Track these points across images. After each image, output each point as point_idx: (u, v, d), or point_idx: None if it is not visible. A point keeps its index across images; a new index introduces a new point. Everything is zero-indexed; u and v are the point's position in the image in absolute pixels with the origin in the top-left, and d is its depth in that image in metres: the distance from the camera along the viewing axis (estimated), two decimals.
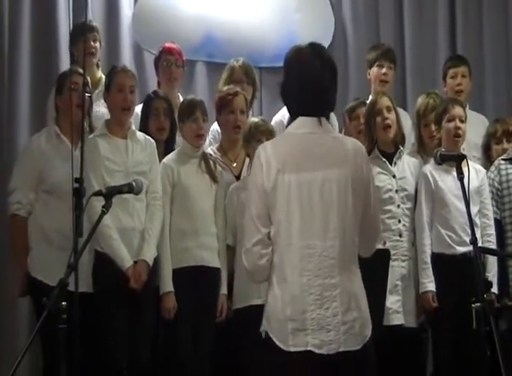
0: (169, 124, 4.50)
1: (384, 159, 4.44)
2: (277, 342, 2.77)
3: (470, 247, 3.27)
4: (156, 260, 4.14)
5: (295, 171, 2.82)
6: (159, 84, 5.03)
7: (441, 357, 4.36)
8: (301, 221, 2.81)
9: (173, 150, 4.47)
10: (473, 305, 3.06)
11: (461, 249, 4.32)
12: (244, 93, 4.66)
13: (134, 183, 3.35)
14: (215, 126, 4.85)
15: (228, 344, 4.21)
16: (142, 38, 5.80)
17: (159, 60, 5.03)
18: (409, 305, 4.35)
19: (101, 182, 3.99)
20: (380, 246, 4.14)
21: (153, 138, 4.34)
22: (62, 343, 2.91)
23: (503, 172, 4.58)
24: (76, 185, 3.16)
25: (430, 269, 4.35)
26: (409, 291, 4.37)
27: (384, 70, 5.16)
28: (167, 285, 4.13)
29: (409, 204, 4.45)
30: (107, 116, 4.36)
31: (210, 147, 4.68)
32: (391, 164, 4.46)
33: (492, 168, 4.63)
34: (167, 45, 5.03)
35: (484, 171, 4.57)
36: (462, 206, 4.09)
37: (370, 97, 4.98)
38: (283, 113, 4.90)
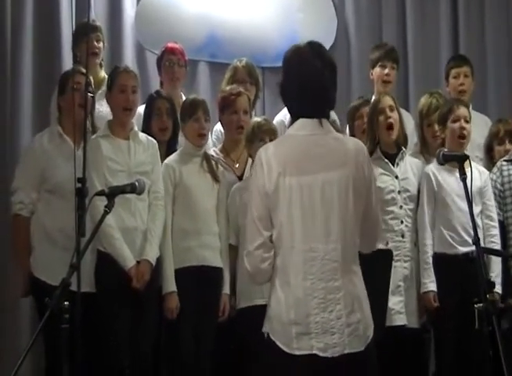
0: (171, 124, 4.50)
1: (386, 160, 4.44)
2: (280, 345, 2.76)
3: (473, 247, 3.26)
4: (159, 260, 4.15)
5: (296, 174, 2.81)
6: (161, 84, 5.03)
7: (443, 357, 4.35)
8: (303, 224, 2.80)
9: (175, 149, 4.47)
10: (475, 305, 3.05)
11: (463, 249, 4.32)
12: (247, 93, 4.66)
13: (136, 183, 3.35)
14: (218, 126, 4.85)
15: (231, 343, 4.21)
16: (144, 38, 5.80)
17: (161, 60, 5.03)
18: (411, 306, 4.34)
19: (103, 182, 3.99)
20: (382, 246, 4.14)
21: (155, 138, 4.35)
22: (64, 343, 2.92)
23: (506, 173, 4.57)
24: (78, 185, 3.16)
25: (432, 269, 4.35)
26: (412, 291, 4.37)
27: (386, 71, 5.15)
28: (170, 285, 4.13)
29: (411, 205, 4.44)
30: (110, 116, 4.37)
31: (212, 148, 4.68)
32: (393, 164, 4.45)
33: (495, 170, 4.63)
34: (170, 44, 5.03)
35: (487, 172, 4.56)
36: (464, 206, 4.10)
37: (373, 97, 4.97)
38: (285, 113, 4.90)
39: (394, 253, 4.23)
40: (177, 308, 4.12)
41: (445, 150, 4.06)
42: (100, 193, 3.23)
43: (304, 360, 2.74)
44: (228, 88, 4.67)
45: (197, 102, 4.41)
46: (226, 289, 4.25)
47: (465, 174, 3.25)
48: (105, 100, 4.45)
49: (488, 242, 4.36)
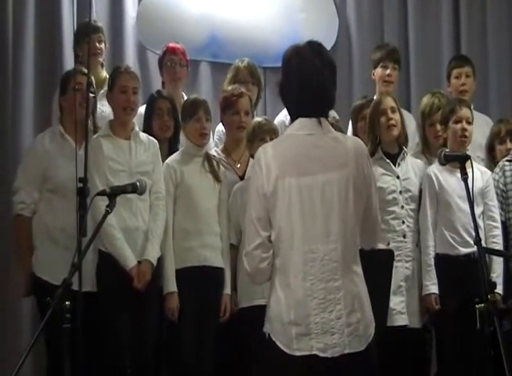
0: (173, 123, 4.50)
1: (387, 160, 4.44)
2: (281, 346, 2.76)
3: (474, 248, 3.26)
4: (160, 260, 4.15)
5: (295, 175, 2.81)
6: (163, 84, 5.03)
7: (444, 358, 4.35)
8: (303, 225, 2.79)
9: (177, 149, 4.47)
10: (477, 306, 3.05)
11: (464, 250, 4.32)
12: (249, 94, 4.66)
13: (138, 183, 3.36)
14: (221, 127, 4.85)
15: (231, 343, 4.21)
16: (146, 38, 5.80)
17: (163, 60, 5.03)
18: (412, 306, 4.34)
19: (104, 182, 4.00)
20: (383, 247, 4.14)
21: (156, 138, 4.35)
22: (66, 342, 2.92)
23: (508, 173, 4.57)
24: (80, 184, 3.17)
25: (434, 271, 4.34)
26: (413, 291, 4.36)
27: (388, 71, 5.15)
28: (171, 285, 4.14)
29: (412, 205, 4.44)
30: (112, 116, 4.37)
31: (214, 149, 4.69)
32: (394, 165, 4.45)
33: (497, 170, 4.62)
34: (171, 44, 5.03)
35: (489, 173, 4.55)
36: (466, 207, 4.09)
37: (375, 97, 4.97)
38: (286, 114, 4.88)
39: (396, 253, 4.22)
40: (178, 308, 4.12)
41: (447, 150, 4.05)
42: (102, 193, 3.24)
43: (304, 361, 2.74)
44: (229, 88, 4.67)
45: (198, 102, 4.41)
46: (227, 289, 4.25)
47: (466, 174, 3.25)
48: (106, 100, 4.45)
49: (490, 242, 4.36)
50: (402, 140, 4.52)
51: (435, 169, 4.45)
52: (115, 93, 4.25)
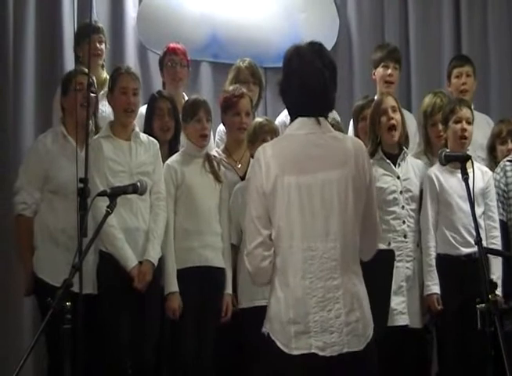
0: (173, 124, 4.50)
1: (388, 161, 4.44)
2: (280, 345, 2.77)
3: (475, 248, 3.26)
4: (161, 260, 4.15)
5: (295, 174, 2.81)
6: (164, 84, 5.03)
7: (445, 358, 4.35)
8: (302, 223, 2.80)
9: (177, 150, 4.47)
10: (477, 306, 3.05)
11: (466, 250, 4.32)
12: (250, 94, 4.66)
13: (138, 184, 3.36)
14: (222, 127, 4.85)
15: (232, 343, 4.21)
16: (146, 39, 5.80)
17: (163, 60, 5.02)
18: (413, 306, 4.34)
19: (105, 182, 4.00)
20: (384, 247, 4.14)
21: (156, 138, 4.35)
22: (66, 343, 2.92)
23: (510, 174, 4.57)
24: (80, 185, 3.17)
25: (435, 271, 4.35)
26: (414, 291, 4.37)
27: (389, 71, 5.14)
28: (172, 285, 4.14)
29: (413, 205, 4.44)
30: (112, 116, 4.37)
31: (215, 149, 4.69)
32: (395, 165, 4.45)
33: (498, 170, 4.62)
34: (172, 45, 5.03)
35: (490, 173, 4.55)
36: (467, 207, 4.09)
37: (376, 97, 4.97)
38: (286, 114, 4.86)
39: (397, 253, 4.23)
40: (179, 308, 4.12)
41: (447, 150, 4.05)
42: (102, 194, 3.24)
43: (303, 360, 2.74)
44: (230, 88, 4.67)
45: (199, 102, 4.41)
46: (228, 289, 4.25)
47: (467, 174, 3.26)
48: (107, 100, 4.45)
49: (490, 243, 4.35)
50: (403, 140, 4.52)
51: (436, 170, 4.46)
52: (115, 94, 4.25)
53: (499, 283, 4.21)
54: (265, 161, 2.84)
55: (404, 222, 4.39)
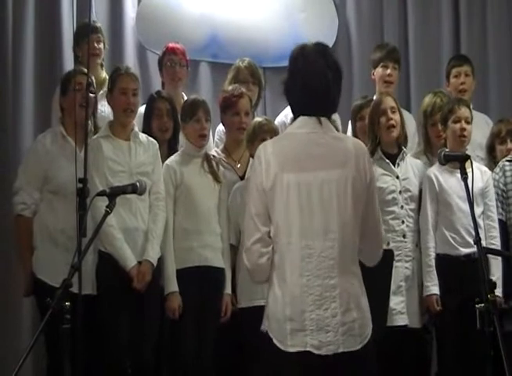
0: (172, 124, 4.50)
1: (387, 160, 4.44)
2: (276, 342, 2.77)
3: (474, 249, 3.26)
4: (161, 260, 4.15)
5: (294, 172, 2.82)
6: (163, 84, 5.03)
7: (445, 358, 4.35)
8: (301, 221, 2.80)
9: (176, 150, 4.47)
10: (477, 306, 3.05)
11: (465, 250, 4.32)
12: (249, 94, 4.66)
13: (137, 184, 3.36)
14: (221, 127, 4.85)
15: (232, 343, 4.21)
16: (145, 39, 5.80)
17: (162, 60, 5.02)
18: (412, 306, 4.34)
19: (104, 182, 4.00)
20: (383, 247, 4.14)
21: (155, 138, 4.35)
22: (65, 343, 2.92)
23: (508, 173, 4.57)
24: (79, 185, 3.17)
25: (435, 272, 4.35)
26: (413, 291, 4.37)
27: (388, 71, 5.14)
28: (172, 285, 4.14)
29: (412, 205, 4.44)
30: (111, 116, 4.37)
31: (214, 149, 4.69)
32: (394, 165, 4.45)
33: (497, 170, 4.62)
34: (171, 45, 5.03)
35: (489, 172, 4.55)
36: (466, 207, 4.10)
37: (375, 97, 4.97)
38: (286, 114, 4.91)
39: (396, 253, 4.23)
40: (179, 307, 4.12)
41: (446, 150, 4.05)
42: (101, 194, 3.24)
43: (299, 357, 2.74)
44: (230, 88, 4.67)
45: (198, 102, 4.41)
46: (228, 289, 4.25)
47: (466, 174, 3.25)
48: (106, 100, 4.45)
49: (489, 243, 4.35)
50: (402, 140, 4.52)
51: (435, 170, 4.46)
52: (115, 95, 4.25)
53: (499, 283, 4.22)
54: (265, 159, 2.85)
55: (403, 221, 4.39)
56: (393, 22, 6.13)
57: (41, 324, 2.78)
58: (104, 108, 4.73)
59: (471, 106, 4.72)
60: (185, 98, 4.82)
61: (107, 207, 3.14)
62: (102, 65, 5.09)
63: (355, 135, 4.73)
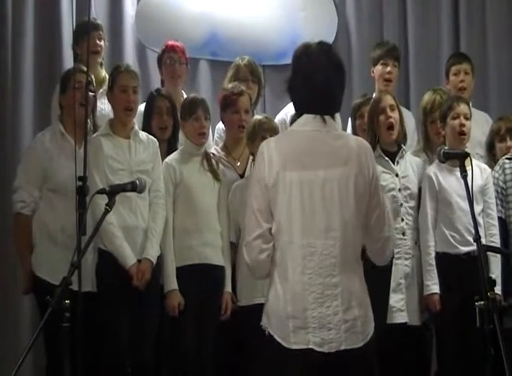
0: (172, 122, 4.50)
1: (386, 158, 4.44)
2: (278, 339, 2.78)
3: (474, 247, 3.26)
4: (161, 258, 4.15)
5: (297, 169, 2.83)
6: (162, 82, 5.03)
7: (445, 355, 4.35)
8: (302, 219, 2.81)
9: (176, 148, 4.47)
10: (476, 304, 3.05)
11: (465, 249, 4.32)
12: (249, 92, 4.66)
13: (137, 182, 3.36)
14: (221, 125, 4.85)
15: (232, 341, 4.21)
16: (145, 37, 5.80)
17: (162, 58, 5.01)
18: (412, 304, 4.35)
19: (104, 180, 4.00)
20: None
21: (155, 136, 4.35)
22: (65, 341, 2.92)
23: (508, 171, 4.56)
24: (79, 183, 3.17)
25: (435, 271, 4.34)
26: (413, 289, 4.37)
27: (388, 69, 5.14)
28: (171, 283, 4.14)
29: (412, 203, 4.44)
30: (112, 114, 4.37)
31: (213, 147, 4.69)
32: (393, 163, 4.45)
33: (497, 168, 4.62)
34: (170, 42, 5.02)
35: (489, 170, 4.55)
36: (466, 206, 4.10)
37: (374, 95, 4.96)
38: (286, 112, 4.91)
39: (395, 251, 4.22)
40: (179, 305, 4.12)
41: (446, 147, 4.05)
42: (101, 192, 3.24)
43: (301, 354, 2.75)
44: (229, 86, 4.67)
45: (197, 101, 4.41)
46: (228, 287, 4.25)
47: (466, 172, 3.25)
48: (106, 99, 4.45)
49: (488, 241, 4.35)
50: (401, 138, 4.52)
51: (435, 169, 4.45)
52: (115, 92, 4.25)
53: (498, 281, 4.22)
54: (268, 155, 2.86)
55: (402, 219, 4.39)
56: (392, 20, 6.13)
57: (41, 323, 2.78)
58: (104, 106, 4.74)
59: (471, 104, 4.73)
60: (185, 96, 4.82)
61: (107, 205, 3.14)
62: (101, 64, 5.09)
63: (354, 133, 4.72)
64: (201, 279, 4.17)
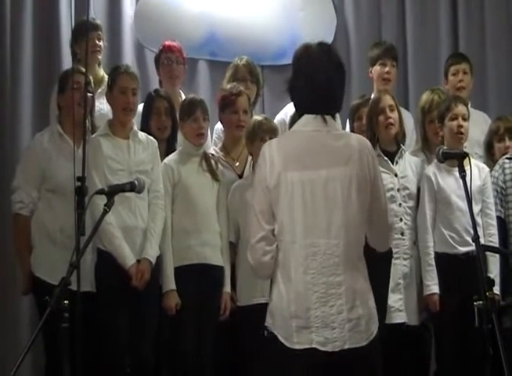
0: (170, 123, 4.50)
1: (385, 158, 4.44)
2: (282, 339, 2.78)
3: (473, 247, 3.26)
4: (160, 258, 4.15)
5: (298, 169, 2.84)
6: (160, 82, 5.02)
7: (443, 355, 4.35)
8: (305, 219, 2.82)
9: (175, 148, 4.48)
10: (475, 303, 3.06)
11: (463, 249, 4.32)
12: (247, 92, 4.66)
13: (136, 182, 3.36)
14: (219, 125, 4.85)
15: (231, 341, 4.21)
16: (143, 36, 5.79)
17: (159, 59, 5.01)
18: (411, 304, 4.35)
19: (103, 181, 4.00)
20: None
21: (154, 137, 4.35)
22: (64, 342, 2.92)
23: (508, 171, 4.57)
24: (78, 183, 3.17)
25: (435, 271, 4.34)
26: (411, 289, 4.37)
27: (387, 69, 5.15)
28: (170, 283, 4.14)
29: (410, 203, 4.45)
30: (110, 114, 4.37)
31: (212, 147, 4.69)
32: (392, 162, 4.46)
33: (497, 167, 4.62)
34: (167, 43, 5.02)
35: (487, 169, 4.55)
36: (464, 206, 4.11)
37: (373, 95, 4.97)
38: (286, 112, 4.91)
39: (394, 251, 4.23)
40: (177, 305, 4.12)
41: (444, 147, 4.05)
42: (100, 192, 3.24)
43: (304, 354, 2.75)
44: (228, 86, 4.67)
45: (196, 101, 4.41)
46: (227, 287, 4.25)
47: (464, 171, 3.25)
48: (105, 98, 4.45)
49: (487, 241, 4.35)
50: (400, 138, 4.53)
51: (433, 169, 4.46)
52: (114, 93, 4.25)
53: (497, 281, 4.22)
54: (269, 156, 2.88)
55: (401, 219, 4.39)
56: (391, 20, 6.14)
57: (40, 323, 2.78)
58: (103, 106, 4.74)
59: (469, 104, 4.73)
60: (183, 96, 4.82)
61: (106, 205, 3.14)
62: (99, 63, 5.09)
63: None
64: (200, 279, 4.17)
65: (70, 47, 5.04)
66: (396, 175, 4.43)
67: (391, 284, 4.20)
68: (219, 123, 4.82)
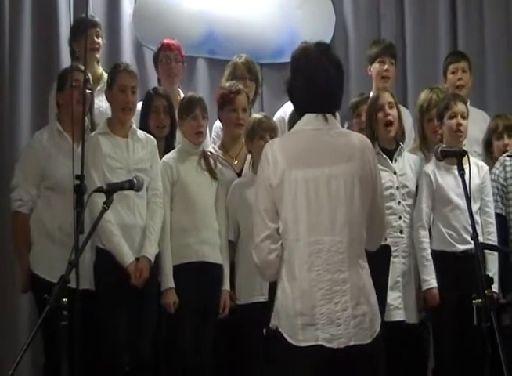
0: (169, 121, 4.50)
1: (384, 156, 4.45)
2: (287, 337, 2.79)
3: (471, 245, 3.26)
4: (158, 256, 4.15)
5: (301, 168, 2.85)
6: (159, 80, 5.02)
7: (442, 353, 4.36)
8: (309, 217, 2.82)
9: (173, 146, 4.47)
10: (474, 301, 3.06)
11: (462, 247, 4.33)
12: (246, 91, 4.66)
13: (135, 180, 3.36)
14: (218, 123, 4.85)
15: (230, 340, 4.21)
16: (142, 35, 5.79)
17: (158, 57, 5.02)
18: (410, 302, 4.35)
19: (102, 179, 4.00)
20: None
21: (153, 135, 4.35)
22: (63, 340, 2.92)
23: (509, 169, 4.57)
24: (76, 181, 3.17)
25: (432, 265, 4.35)
26: (410, 287, 4.38)
27: (385, 67, 5.15)
28: (168, 281, 4.14)
29: (409, 201, 4.45)
30: (109, 111, 4.37)
31: (211, 146, 4.69)
32: (391, 160, 4.46)
33: (497, 165, 4.63)
34: (166, 41, 5.02)
35: (486, 168, 4.56)
36: (463, 204, 4.11)
37: (371, 93, 4.97)
38: (285, 110, 4.91)
39: (393, 249, 4.23)
40: (175, 303, 4.12)
41: (443, 145, 4.05)
42: (99, 190, 3.24)
43: (310, 351, 2.76)
44: (227, 84, 4.67)
45: (194, 100, 4.41)
46: (226, 285, 4.25)
47: (463, 170, 3.25)
48: (104, 96, 4.45)
49: (486, 239, 4.36)
50: (399, 136, 4.53)
51: (432, 167, 4.46)
52: (114, 92, 4.25)
53: (496, 279, 4.23)
54: (272, 155, 2.88)
55: (400, 217, 4.40)
56: (390, 18, 6.14)
57: (39, 321, 2.78)
58: (102, 103, 4.73)
59: (468, 102, 4.73)
60: (182, 94, 4.82)
61: (104, 203, 3.14)
62: (98, 61, 5.08)
63: None
64: (199, 277, 4.17)
65: (69, 45, 5.03)
66: (395, 173, 4.44)
67: (390, 282, 4.20)
68: (218, 121, 4.82)
